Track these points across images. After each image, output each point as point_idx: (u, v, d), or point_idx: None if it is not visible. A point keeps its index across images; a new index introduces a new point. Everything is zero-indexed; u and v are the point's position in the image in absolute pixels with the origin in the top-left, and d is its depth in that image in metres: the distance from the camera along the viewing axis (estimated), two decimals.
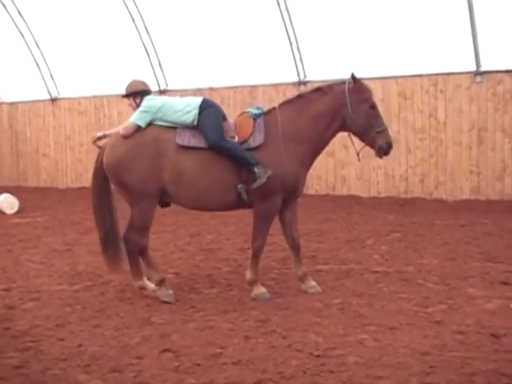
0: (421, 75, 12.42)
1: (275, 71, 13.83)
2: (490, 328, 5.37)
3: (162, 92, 15.10)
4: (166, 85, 15.42)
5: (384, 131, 6.48)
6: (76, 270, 7.87)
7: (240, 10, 13.80)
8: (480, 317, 5.69)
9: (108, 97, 15.89)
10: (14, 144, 17.87)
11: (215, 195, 6.43)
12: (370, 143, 6.53)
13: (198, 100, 6.57)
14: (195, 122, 6.42)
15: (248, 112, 6.59)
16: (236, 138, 6.38)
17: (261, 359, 4.83)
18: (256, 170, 6.18)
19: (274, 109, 6.64)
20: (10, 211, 12.76)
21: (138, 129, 6.45)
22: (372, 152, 6.63)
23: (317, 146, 6.61)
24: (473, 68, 11.87)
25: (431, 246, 8.56)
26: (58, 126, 16.96)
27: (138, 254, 6.64)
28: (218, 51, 14.37)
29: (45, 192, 16.11)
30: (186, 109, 6.45)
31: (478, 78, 11.81)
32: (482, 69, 11.80)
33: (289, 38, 13.42)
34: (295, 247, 6.74)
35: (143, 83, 6.94)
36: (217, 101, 13.74)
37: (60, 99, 16.97)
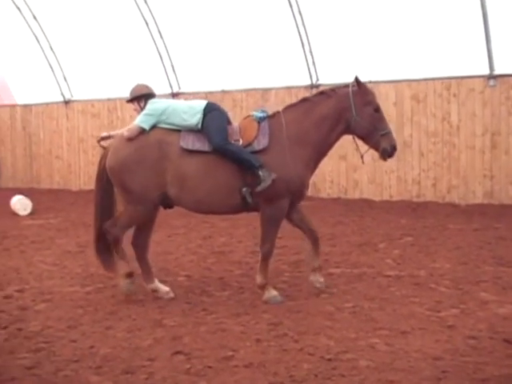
0: (434, 79, 12.38)
1: (288, 74, 13.85)
2: (503, 333, 5.34)
3: (174, 95, 15.14)
4: (179, 87, 15.46)
5: (388, 134, 6.48)
6: (88, 271, 7.90)
7: (253, 13, 13.82)
8: (492, 322, 5.66)
9: (121, 99, 15.86)
10: (27, 146, 17.97)
11: (219, 198, 6.42)
12: (374, 146, 6.53)
13: (203, 103, 6.58)
14: (199, 125, 6.42)
15: (252, 115, 6.60)
16: (240, 142, 6.38)
17: (272, 362, 4.83)
18: (260, 172, 6.17)
19: (278, 112, 6.65)
20: (23, 213, 12.83)
21: (143, 131, 6.47)
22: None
23: (321, 149, 6.61)
24: (486, 72, 11.82)
25: (443, 250, 8.52)
26: (72, 128, 17.04)
27: (112, 244, 6.62)
28: (230, 54, 14.40)
29: (58, 194, 16.19)
30: (190, 112, 6.45)
31: (492, 82, 11.76)
32: (496, 72, 11.75)
33: (301, 41, 13.43)
34: (315, 238, 6.75)
35: (147, 87, 6.94)
36: (229, 103, 13.96)
37: (73, 101, 17.06)
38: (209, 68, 14.82)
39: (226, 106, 14.02)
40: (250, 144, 6.36)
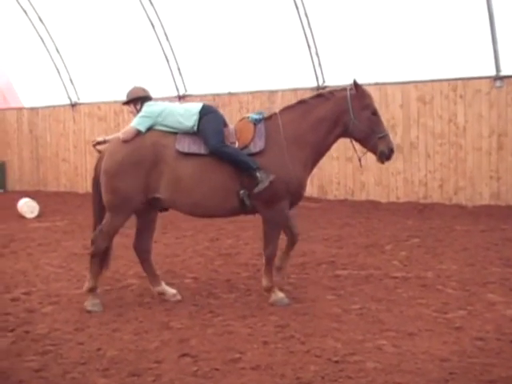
0: (440, 80, 12.36)
1: (294, 76, 13.85)
2: (510, 334, 5.33)
3: (181, 97, 15.16)
4: (185, 90, 15.48)
5: (385, 137, 6.49)
6: None
7: (259, 15, 13.84)
8: (500, 323, 5.65)
9: None
10: (34, 149, 18.03)
11: (216, 201, 6.38)
12: (372, 149, 6.54)
13: (199, 106, 6.56)
14: (195, 128, 6.41)
15: (248, 117, 6.58)
16: (236, 144, 6.37)
17: (279, 364, 4.83)
18: (258, 174, 6.16)
19: (275, 114, 6.64)
20: (30, 215, 12.87)
21: (139, 134, 6.44)
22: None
23: (318, 151, 6.62)
24: (492, 73, 11.79)
25: (450, 252, 8.51)
26: (78, 131, 17.08)
27: (101, 254, 6.55)
28: (236, 56, 14.42)
29: (64, 196, 16.23)
30: (186, 114, 6.44)
31: (498, 83, 11.74)
32: (502, 73, 11.72)
33: (307, 43, 13.43)
34: (293, 242, 6.74)
35: (143, 90, 6.90)
36: (236, 106, 13.96)
37: (80, 104, 17.11)
38: (215, 70, 14.84)
39: (232, 108, 14.21)
40: (246, 146, 6.34)
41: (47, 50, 16.68)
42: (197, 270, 8.02)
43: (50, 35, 16.52)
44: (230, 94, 14.65)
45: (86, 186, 16.89)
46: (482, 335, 5.34)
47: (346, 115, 6.46)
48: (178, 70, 15.41)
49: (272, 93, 14.08)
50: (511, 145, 11.71)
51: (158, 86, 15.27)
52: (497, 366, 4.68)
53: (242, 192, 6.28)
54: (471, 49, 11.79)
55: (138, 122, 6.48)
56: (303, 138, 6.45)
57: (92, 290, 6.50)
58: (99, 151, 6.82)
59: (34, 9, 16.26)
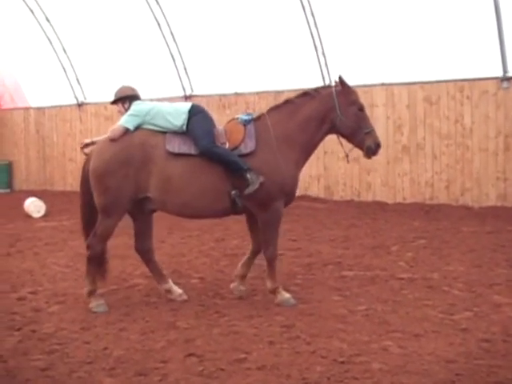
0: (447, 81, 12.33)
1: (300, 76, 13.81)
2: None
3: (187, 97, 15.17)
4: (192, 90, 15.49)
5: (372, 132, 6.55)
6: None
7: (265, 15, 13.83)
8: (506, 324, 5.64)
9: None
10: (40, 148, 18.08)
11: (206, 202, 6.36)
12: (359, 144, 6.59)
13: (188, 105, 6.56)
14: (184, 127, 6.38)
15: (237, 118, 6.58)
16: (227, 145, 6.35)
17: (285, 365, 4.83)
18: (248, 175, 6.15)
19: (263, 114, 6.64)
20: (36, 215, 12.91)
21: (127, 132, 6.41)
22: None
23: (308, 149, 6.65)
24: (499, 73, 11.75)
25: (457, 253, 8.49)
26: (85, 131, 17.09)
27: (97, 258, 6.54)
28: (243, 56, 14.41)
29: (71, 196, 16.21)
30: (174, 113, 6.41)
31: (505, 84, 11.71)
32: (509, 74, 11.69)
33: (314, 43, 13.42)
34: (257, 252, 6.77)
35: (132, 89, 6.88)
36: (242, 106, 13.95)
37: (86, 104, 17.15)
38: (221, 70, 14.84)
39: (238, 108, 14.20)
40: (236, 147, 6.33)
41: (54, 49, 16.72)
42: (203, 270, 8.03)
43: (56, 35, 16.56)
44: (236, 94, 14.66)
45: None
46: (488, 337, 5.33)
47: (332, 112, 6.50)
48: (185, 69, 15.42)
49: (278, 93, 14.03)
50: None
51: (165, 86, 15.32)
52: (503, 367, 4.67)
53: (233, 192, 6.27)
54: (478, 49, 11.76)
55: (126, 121, 6.45)
56: (292, 138, 6.46)
57: (91, 294, 6.51)
58: (86, 154, 6.77)
59: (40, 8, 16.31)
